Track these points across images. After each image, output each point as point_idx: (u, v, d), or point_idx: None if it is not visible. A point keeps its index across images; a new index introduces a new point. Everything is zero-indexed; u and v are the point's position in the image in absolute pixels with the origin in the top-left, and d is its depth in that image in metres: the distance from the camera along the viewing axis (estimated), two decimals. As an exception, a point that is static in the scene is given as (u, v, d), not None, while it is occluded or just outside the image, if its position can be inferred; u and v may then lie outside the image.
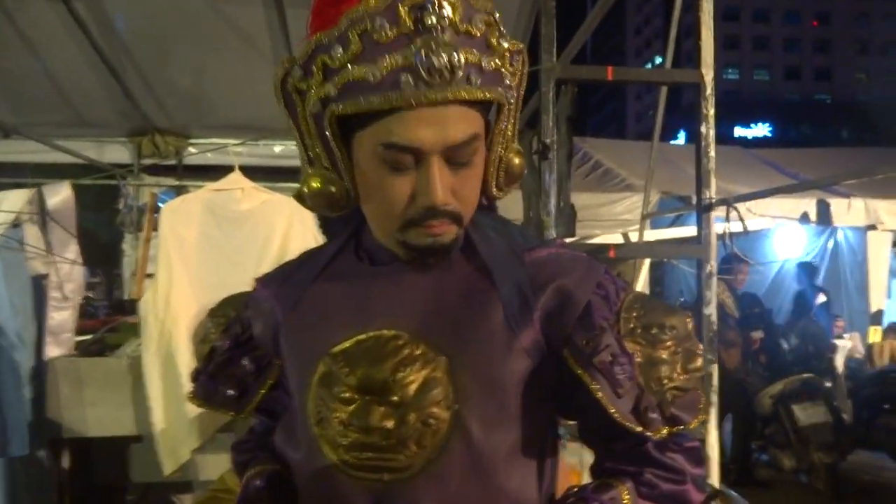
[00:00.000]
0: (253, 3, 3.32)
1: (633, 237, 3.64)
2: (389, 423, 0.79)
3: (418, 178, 0.76)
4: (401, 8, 0.72)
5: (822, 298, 6.92)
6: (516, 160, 0.88)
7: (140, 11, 3.44)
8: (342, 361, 0.82)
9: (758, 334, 5.42)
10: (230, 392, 0.95)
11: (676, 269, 7.77)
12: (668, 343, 0.81)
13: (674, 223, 5.55)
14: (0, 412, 2.89)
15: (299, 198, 0.86)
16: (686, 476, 0.83)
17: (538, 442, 0.85)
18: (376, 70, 0.72)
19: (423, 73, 0.71)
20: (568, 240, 3.58)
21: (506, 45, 0.79)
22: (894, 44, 56.80)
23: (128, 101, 4.09)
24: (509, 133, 0.86)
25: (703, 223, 2.46)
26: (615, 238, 3.64)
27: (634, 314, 0.83)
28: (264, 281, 0.98)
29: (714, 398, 2.33)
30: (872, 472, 5.03)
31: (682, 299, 10.99)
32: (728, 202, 2.57)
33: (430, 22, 0.71)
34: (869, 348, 6.56)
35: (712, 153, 2.42)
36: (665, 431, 0.79)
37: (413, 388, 0.79)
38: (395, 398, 0.79)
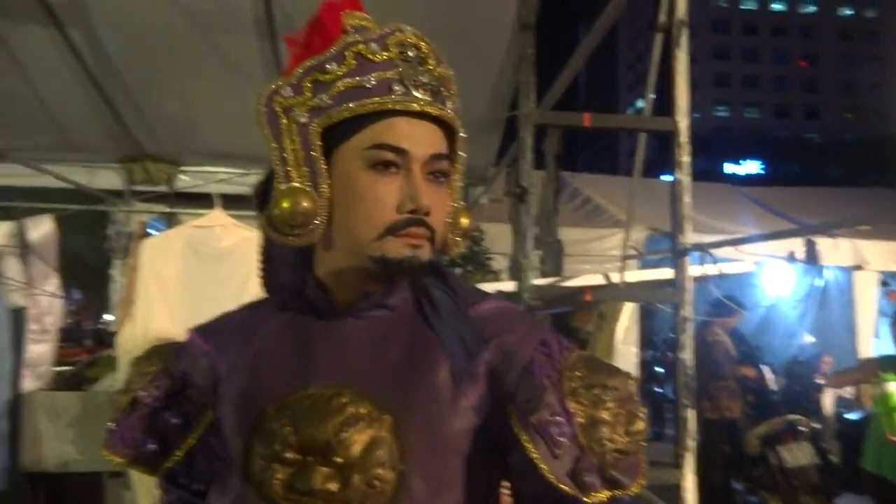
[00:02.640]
0: (245, 33, 3.34)
1: (617, 276, 3.62)
2: (333, 486, 0.77)
3: (404, 184, 0.80)
4: (389, 40, 0.82)
5: (809, 339, 6.91)
6: (464, 219, 0.93)
7: (132, 37, 3.46)
8: (284, 420, 0.80)
9: (749, 371, 5.40)
10: (151, 446, 0.90)
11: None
12: (610, 404, 0.79)
13: (659, 262, 5.56)
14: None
15: (266, 222, 0.83)
16: None
17: (482, 502, 0.83)
18: (371, 78, 0.80)
19: (411, 85, 0.81)
20: (549, 280, 3.55)
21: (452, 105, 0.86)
22: (879, 85, 58.02)
23: (118, 126, 4.09)
24: (457, 191, 0.91)
25: (678, 268, 2.44)
26: (596, 278, 3.62)
27: (578, 373, 0.81)
28: (203, 333, 0.95)
29: (690, 443, 2.29)
30: (860, 516, 4.97)
31: (670, 335, 11.03)
32: (701, 247, 2.53)
33: (412, 54, 0.82)
34: (858, 389, 6.53)
35: (687, 199, 2.40)
36: (604, 495, 0.76)
37: (357, 448, 0.77)
38: (339, 459, 0.77)
